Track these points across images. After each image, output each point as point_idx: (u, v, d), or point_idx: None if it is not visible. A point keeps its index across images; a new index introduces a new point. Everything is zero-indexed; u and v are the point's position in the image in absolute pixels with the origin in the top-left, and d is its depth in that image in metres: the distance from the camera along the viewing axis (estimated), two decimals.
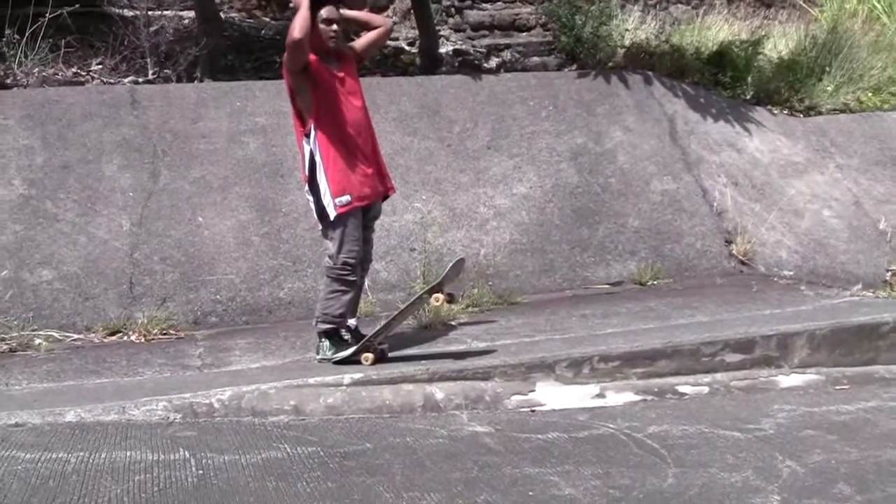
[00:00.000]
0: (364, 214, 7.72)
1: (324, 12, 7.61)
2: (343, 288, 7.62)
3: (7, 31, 10.77)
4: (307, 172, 7.64)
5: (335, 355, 7.54)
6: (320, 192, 7.57)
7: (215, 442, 6.23)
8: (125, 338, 8.60)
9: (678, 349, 7.55)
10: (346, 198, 7.48)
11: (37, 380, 7.37)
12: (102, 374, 7.50)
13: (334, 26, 7.62)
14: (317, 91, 7.60)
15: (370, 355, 7.35)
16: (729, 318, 8.28)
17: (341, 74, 7.69)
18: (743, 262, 10.22)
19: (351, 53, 7.92)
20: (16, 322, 8.57)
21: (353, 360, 7.37)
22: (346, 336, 7.72)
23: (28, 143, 9.73)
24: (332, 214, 7.48)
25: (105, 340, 8.57)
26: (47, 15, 10.94)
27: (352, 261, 7.59)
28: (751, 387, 7.45)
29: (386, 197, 8.00)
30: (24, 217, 9.26)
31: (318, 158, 7.58)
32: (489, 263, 9.63)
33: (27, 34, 10.82)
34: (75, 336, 8.59)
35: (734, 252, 10.29)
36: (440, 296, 7.40)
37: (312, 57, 7.56)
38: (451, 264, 7.82)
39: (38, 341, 8.39)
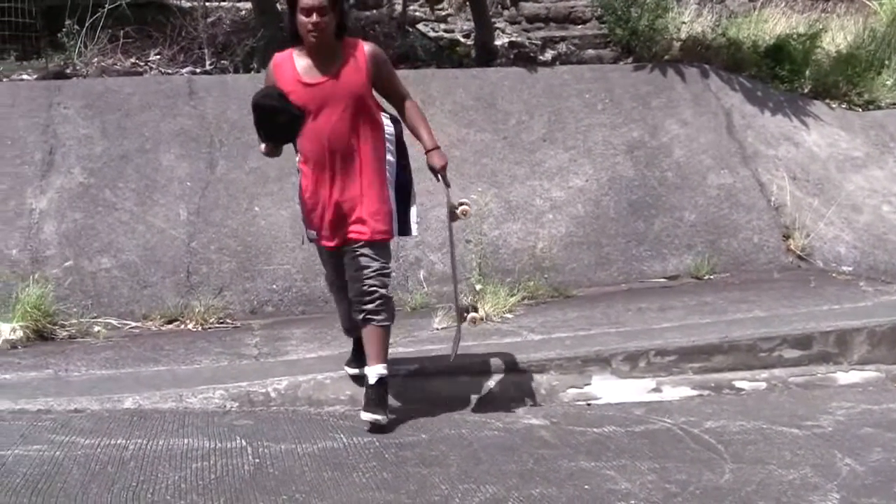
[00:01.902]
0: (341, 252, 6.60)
1: None
2: (336, 299, 7.01)
3: (67, 22, 10.86)
4: None
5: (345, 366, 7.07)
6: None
7: (272, 431, 6.26)
8: (182, 326, 8.66)
9: (735, 344, 7.51)
10: (312, 233, 6.66)
11: (96, 366, 7.44)
12: (160, 361, 7.55)
13: (315, 17, 6.27)
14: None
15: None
16: (786, 314, 8.22)
17: (321, 81, 6.40)
18: (801, 258, 10.14)
19: (354, 60, 6.47)
20: (75, 309, 8.64)
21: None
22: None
23: (87, 132, 9.80)
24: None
25: (162, 328, 8.62)
26: (107, 6, 11.03)
27: (327, 285, 7.24)
28: (809, 383, 7.41)
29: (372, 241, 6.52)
30: (83, 205, 9.33)
31: None
32: (545, 256, 9.60)
33: (87, 25, 10.91)
34: (133, 324, 8.65)
35: (792, 247, 10.21)
36: (465, 207, 6.79)
37: (275, 64, 6.57)
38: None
39: (96, 328, 8.46)
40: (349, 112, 6.45)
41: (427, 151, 6.63)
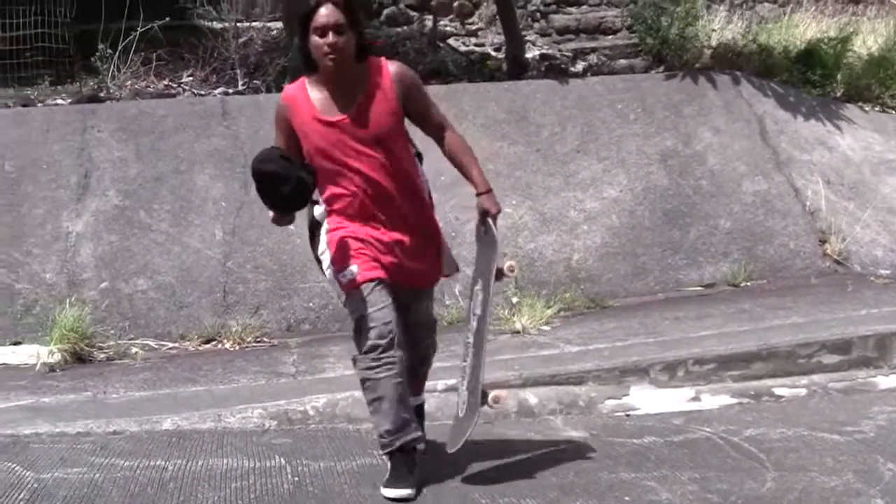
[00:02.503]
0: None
1: (320, 15, 5.48)
2: (377, 382, 5.53)
3: (100, 47, 10.94)
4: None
5: (386, 490, 5.44)
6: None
7: (310, 449, 6.26)
8: (220, 346, 8.68)
9: (774, 351, 7.48)
10: (353, 269, 5.50)
11: (134, 388, 7.46)
12: (198, 381, 7.57)
13: (331, 36, 5.41)
14: (310, 155, 5.63)
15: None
16: (825, 319, 8.18)
17: (341, 119, 5.53)
18: (838, 262, 10.09)
19: (379, 86, 5.58)
20: (112, 331, 8.69)
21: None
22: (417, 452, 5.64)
23: (122, 154, 9.86)
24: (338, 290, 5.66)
25: (200, 349, 8.65)
26: (139, 29, 11.10)
27: (377, 344, 5.47)
28: (849, 388, 7.36)
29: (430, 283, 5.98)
30: (119, 228, 9.38)
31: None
32: (581, 267, 9.60)
33: (119, 48, 10.99)
34: (171, 344, 8.69)
35: (828, 252, 10.16)
36: (512, 263, 5.91)
37: (287, 98, 5.69)
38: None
39: (134, 350, 8.49)
40: (378, 151, 5.56)
41: (479, 194, 5.71)
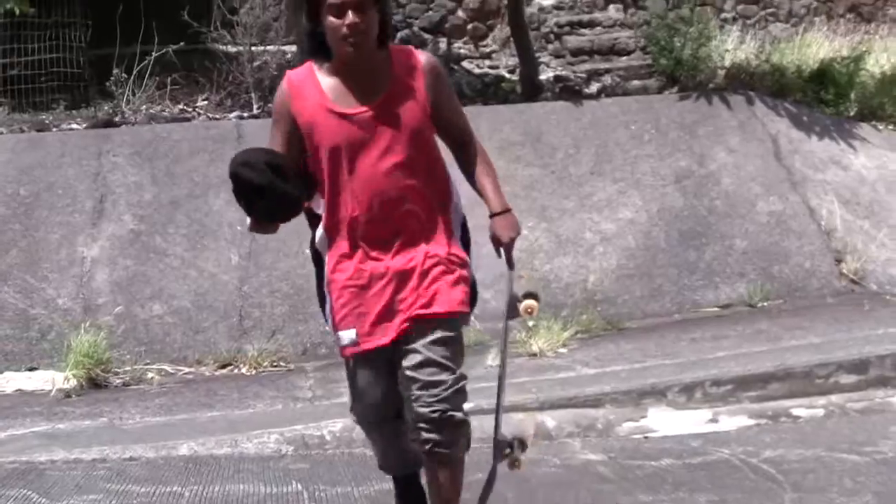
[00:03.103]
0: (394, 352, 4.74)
1: None
2: (370, 434, 5.20)
3: (115, 71, 10.97)
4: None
5: None
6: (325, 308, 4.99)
7: (327, 474, 6.26)
8: (236, 370, 8.67)
9: (791, 372, 7.46)
10: (351, 335, 4.75)
11: (150, 413, 7.45)
12: (214, 407, 7.56)
13: (351, 16, 4.48)
14: (316, 157, 4.76)
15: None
16: (842, 339, 8.15)
17: (361, 111, 4.65)
18: (854, 281, 10.06)
19: (407, 77, 4.71)
20: (128, 356, 8.69)
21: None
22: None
23: (137, 179, 9.87)
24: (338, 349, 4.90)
25: (216, 373, 8.64)
26: (153, 53, 11.12)
27: (358, 418, 5.08)
28: (867, 408, 7.33)
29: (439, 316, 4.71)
30: (134, 252, 9.39)
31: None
32: (597, 289, 9.58)
33: (134, 73, 11.02)
34: (187, 369, 8.68)
35: (844, 271, 10.13)
36: (531, 303, 4.89)
37: (292, 85, 4.77)
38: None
39: (150, 375, 8.49)
40: (403, 156, 4.65)
41: (493, 215, 4.79)
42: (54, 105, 11.50)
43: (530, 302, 4.87)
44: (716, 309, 9.67)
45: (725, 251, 10.14)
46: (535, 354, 8.32)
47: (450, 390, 4.64)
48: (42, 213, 9.63)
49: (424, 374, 4.63)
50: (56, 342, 8.57)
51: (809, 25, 14.96)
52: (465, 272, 4.80)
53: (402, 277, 4.70)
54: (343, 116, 4.65)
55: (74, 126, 10.95)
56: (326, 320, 4.97)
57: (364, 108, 4.65)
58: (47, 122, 11.11)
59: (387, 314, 4.72)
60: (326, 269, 4.88)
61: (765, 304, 9.69)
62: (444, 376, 4.64)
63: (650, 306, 9.68)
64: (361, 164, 4.66)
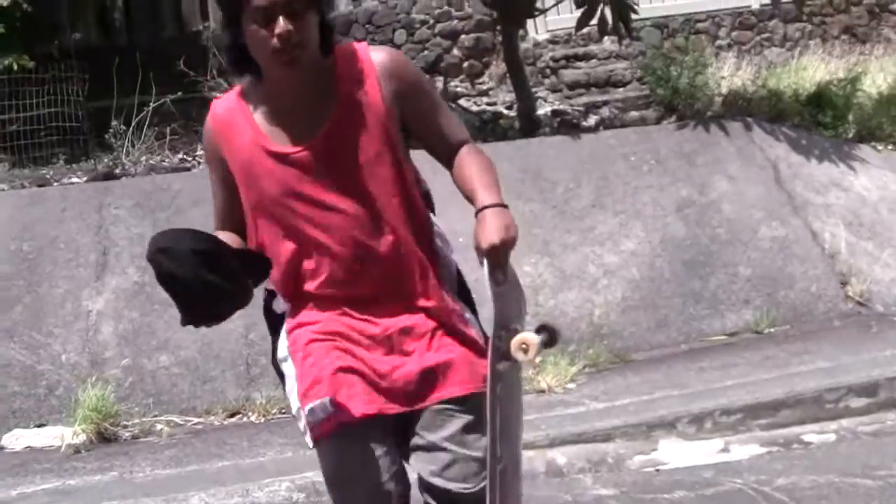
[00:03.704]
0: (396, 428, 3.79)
1: None
2: None
3: (113, 123, 11.02)
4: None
5: None
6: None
7: None
8: (245, 419, 8.65)
9: (800, 398, 7.45)
10: (324, 405, 3.65)
11: (160, 465, 7.43)
12: (224, 456, 7.54)
13: (282, 23, 3.49)
14: (254, 214, 3.85)
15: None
16: (850, 362, 8.13)
17: (302, 149, 3.69)
18: (860, 303, 10.04)
19: (358, 88, 3.70)
20: (137, 409, 8.67)
21: None
22: None
23: (139, 231, 9.88)
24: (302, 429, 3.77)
25: (225, 422, 8.63)
26: (151, 104, 11.18)
27: None
28: (879, 431, 7.31)
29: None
30: (139, 304, 9.38)
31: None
32: (603, 322, 9.57)
33: (133, 124, 11.06)
34: (196, 420, 8.66)
35: (850, 293, 10.12)
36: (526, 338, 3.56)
37: (217, 120, 3.83)
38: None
39: (159, 427, 8.47)
40: (365, 197, 3.71)
41: (479, 210, 3.62)
42: (54, 159, 11.56)
43: (525, 336, 3.55)
44: (723, 337, 9.65)
45: (730, 279, 10.13)
46: (543, 391, 8.30)
47: (480, 484, 3.72)
48: (46, 269, 9.64)
49: (455, 480, 3.75)
50: (64, 397, 8.57)
51: (805, 49, 15.01)
52: (473, 332, 3.86)
53: (398, 338, 3.76)
54: (283, 158, 3.68)
55: (75, 180, 10.98)
56: (291, 402, 3.83)
57: (303, 145, 3.66)
58: (48, 176, 11.15)
59: (383, 378, 3.72)
60: (284, 330, 3.88)
61: (771, 330, 9.67)
62: (476, 472, 3.75)
63: (657, 337, 9.66)
64: (313, 214, 3.70)
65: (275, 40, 3.49)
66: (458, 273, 4.03)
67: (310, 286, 3.81)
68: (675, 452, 7.08)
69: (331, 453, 3.72)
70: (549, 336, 3.72)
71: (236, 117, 3.78)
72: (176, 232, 3.53)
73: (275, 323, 4.00)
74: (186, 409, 8.80)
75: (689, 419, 7.24)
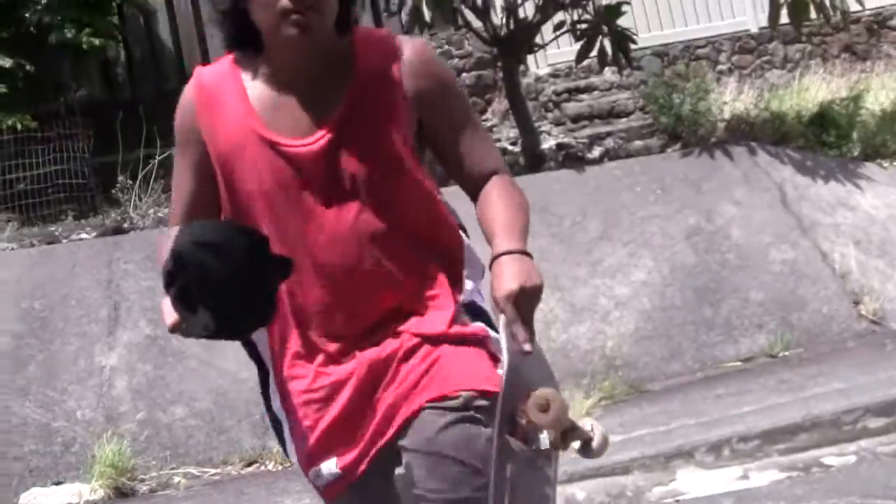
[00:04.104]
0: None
1: None
2: None
3: (120, 178, 11.06)
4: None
5: None
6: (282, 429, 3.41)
7: None
8: (262, 467, 8.62)
9: (818, 421, 7.41)
10: (331, 470, 3.20)
11: None
12: None
13: None
14: (234, 211, 3.19)
15: None
16: (866, 382, 8.10)
17: (310, 142, 3.06)
18: (874, 322, 10.02)
19: (379, 79, 3.10)
20: (154, 462, 8.66)
21: None
22: None
23: (149, 284, 9.89)
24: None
25: (242, 472, 8.61)
26: (157, 157, 11.20)
27: None
28: None
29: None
30: (152, 357, 9.39)
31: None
32: (616, 354, 9.56)
33: (139, 177, 11.09)
34: (213, 471, 8.65)
35: (863, 313, 10.09)
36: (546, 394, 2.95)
37: (203, 90, 3.18)
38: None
39: (176, 479, 8.46)
40: (376, 208, 3.09)
41: (496, 257, 3.03)
42: (62, 216, 11.60)
43: (543, 394, 2.91)
44: (737, 363, 9.62)
45: (742, 304, 10.11)
46: None
47: None
48: (58, 326, 9.65)
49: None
50: (80, 454, 8.57)
51: (805, 69, 15.01)
52: (480, 349, 3.16)
53: (377, 371, 3.14)
54: (276, 148, 3.06)
55: (84, 236, 11.00)
56: (285, 449, 3.43)
57: (311, 137, 3.05)
58: (57, 233, 11.18)
59: (360, 422, 3.16)
60: (273, 373, 3.34)
61: (786, 353, 9.65)
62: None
63: (671, 366, 9.64)
64: (310, 224, 3.09)
65: (287, 2, 2.92)
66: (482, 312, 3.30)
67: (293, 312, 3.18)
68: (693, 482, 7.05)
69: None
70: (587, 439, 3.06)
71: (226, 90, 3.12)
72: (217, 225, 3.03)
73: (256, 354, 3.38)
74: (203, 460, 8.79)
75: (706, 448, 7.21)
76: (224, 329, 2.93)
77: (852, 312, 10.11)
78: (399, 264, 3.12)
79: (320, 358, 3.20)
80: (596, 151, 12.40)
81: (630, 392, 9.10)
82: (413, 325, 3.15)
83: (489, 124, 13.82)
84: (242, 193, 3.12)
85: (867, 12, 15.35)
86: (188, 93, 3.20)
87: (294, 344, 3.22)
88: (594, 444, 3.08)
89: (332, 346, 3.18)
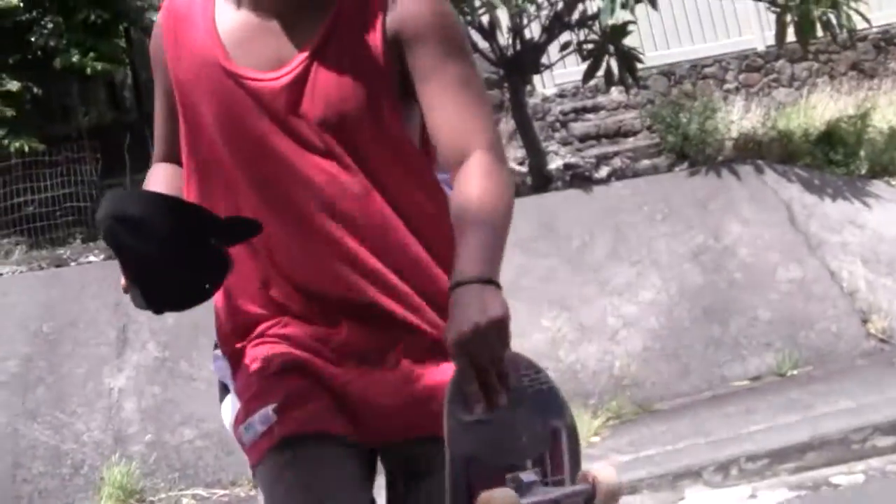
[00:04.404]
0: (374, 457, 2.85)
1: None
2: None
3: None
4: None
5: None
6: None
7: None
8: None
9: (826, 439, 7.40)
10: (267, 416, 2.75)
11: None
12: None
13: None
14: (189, 152, 2.84)
15: None
16: (875, 401, 8.08)
17: (275, 78, 2.69)
18: (882, 340, 9.99)
19: (358, 19, 2.68)
20: (162, 484, 8.67)
21: None
22: None
23: None
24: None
25: (251, 493, 8.58)
26: None
27: None
28: None
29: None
30: (161, 379, 9.40)
31: None
32: (624, 374, 9.54)
33: None
34: (221, 492, 8.65)
35: (872, 331, 10.07)
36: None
37: (172, 14, 2.85)
38: None
39: (185, 501, 8.47)
40: (348, 161, 2.69)
41: (453, 287, 2.44)
42: (71, 239, 11.62)
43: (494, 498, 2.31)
44: (746, 382, 9.60)
45: (750, 323, 10.10)
46: None
47: None
48: (66, 348, 9.66)
49: None
50: (89, 476, 8.58)
51: (812, 88, 15.01)
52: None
53: (358, 356, 2.73)
54: (239, 81, 2.69)
55: (92, 258, 11.03)
56: (225, 420, 3.06)
57: (277, 72, 2.68)
58: (65, 256, 11.21)
59: (336, 390, 2.72)
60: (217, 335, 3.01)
61: (794, 372, 9.62)
62: None
63: (679, 385, 9.62)
64: (270, 176, 2.70)
65: None
66: None
67: (242, 276, 2.77)
68: (702, 501, 7.05)
69: (266, 478, 2.77)
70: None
71: (196, 15, 2.78)
72: (142, 198, 2.71)
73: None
74: (212, 481, 8.79)
75: (714, 467, 7.20)
76: (153, 306, 2.72)
77: (861, 331, 10.09)
78: (369, 223, 2.69)
79: (297, 309, 2.78)
80: (603, 171, 12.42)
81: (638, 411, 9.10)
82: (414, 318, 2.72)
83: None
84: (200, 129, 2.76)
85: (874, 30, 15.32)
86: (160, 16, 2.88)
87: (269, 294, 2.81)
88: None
89: (311, 306, 2.77)
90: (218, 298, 2.88)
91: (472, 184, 2.59)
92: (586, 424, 8.46)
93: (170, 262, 2.58)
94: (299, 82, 2.65)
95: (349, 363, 2.72)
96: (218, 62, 2.70)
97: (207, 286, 2.68)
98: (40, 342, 9.70)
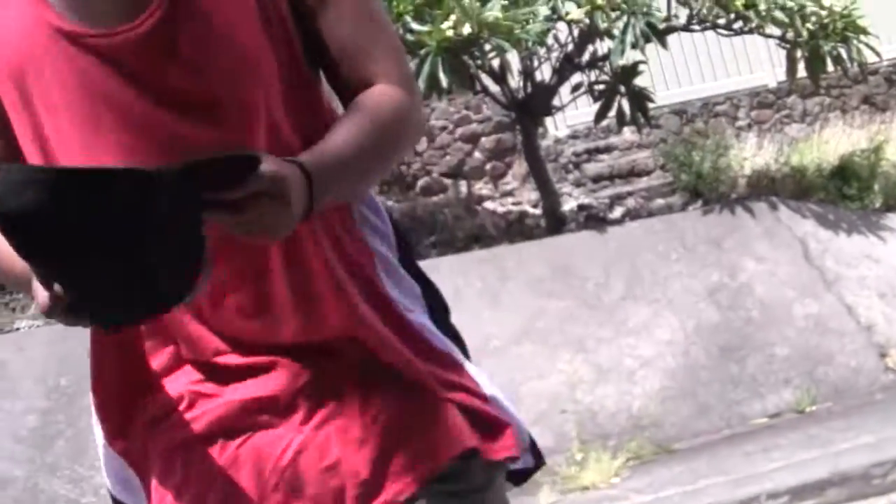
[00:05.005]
0: None
1: None
2: None
3: None
4: None
5: None
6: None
7: None
8: None
9: (847, 476, 7.37)
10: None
11: None
12: None
13: None
14: (18, 126, 2.10)
15: None
16: (895, 435, 8.07)
17: (118, 36, 1.99)
18: None
19: None
20: None
21: None
22: None
23: None
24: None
25: None
26: None
27: None
28: None
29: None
30: None
31: None
32: (642, 414, 9.53)
33: None
34: None
35: (890, 364, 10.05)
36: None
37: None
38: None
39: None
40: (234, 113, 2.06)
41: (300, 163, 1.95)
42: None
43: None
44: (764, 419, 9.58)
45: (767, 360, 10.08)
46: (587, 488, 8.25)
47: None
48: (84, 401, 9.54)
49: None
50: None
51: (825, 122, 15.02)
52: (459, 395, 2.33)
53: (307, 398, 2.27)
54: (81, 42, 2.04)
55: None
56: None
57: (130, 22, 2.02)
58: None
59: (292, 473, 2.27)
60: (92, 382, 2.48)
61: (813, 408, 9.60)
62: None
63: (698, 425, 9.60)
64: (132, 152, 2.03)
65: None
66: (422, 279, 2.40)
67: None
68: None
69: None
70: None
71: None
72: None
73: None
74: None
75: None
76: (103, 315, 2.02)
77: (879, 365, 10.07)
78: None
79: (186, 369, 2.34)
80: (617, 211, 12.44)
81: (657, 452, 9.08)
82: (322, 322, 2.23)
83: (509, 187, 13.84)
84: (37, 118, 2.08)
85: (885, 63, 15.33)
86: None
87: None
88: None
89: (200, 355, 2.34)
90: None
91: (376, 101, 2.12)
92: (605, 465, 8.45)
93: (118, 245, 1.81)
94: (164, 29, 2.02)
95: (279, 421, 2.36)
96: (54, 25, 2.04)
97: (186, 276, 1.90)
98: (58, 396, 9.71)
